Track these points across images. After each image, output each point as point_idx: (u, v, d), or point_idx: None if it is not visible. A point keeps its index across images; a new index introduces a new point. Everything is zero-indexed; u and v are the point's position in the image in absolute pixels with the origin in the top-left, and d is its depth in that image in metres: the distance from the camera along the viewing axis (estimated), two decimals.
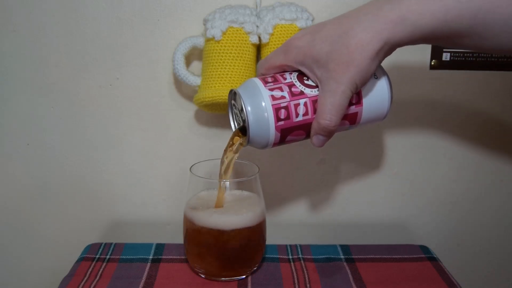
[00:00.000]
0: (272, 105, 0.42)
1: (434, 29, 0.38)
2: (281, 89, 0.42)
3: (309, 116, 0.43)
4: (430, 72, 0.65)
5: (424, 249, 0.61)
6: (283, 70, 0.45)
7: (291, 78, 0.43)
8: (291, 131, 0.43)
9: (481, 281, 0.73)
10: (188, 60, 0.62)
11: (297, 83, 0.43)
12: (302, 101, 0.42)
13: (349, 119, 0.44)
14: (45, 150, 0.65)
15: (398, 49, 0.63)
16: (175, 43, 0.58)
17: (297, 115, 0.42)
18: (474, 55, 0.64)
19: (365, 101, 0.44)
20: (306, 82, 0.43)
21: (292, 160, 0.67)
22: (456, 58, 0.64)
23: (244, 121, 0.43)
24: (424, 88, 0.65)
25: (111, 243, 0.61)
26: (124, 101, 0.64)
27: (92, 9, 0.60)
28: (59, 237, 0.68)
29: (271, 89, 0.42)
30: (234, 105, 0.47)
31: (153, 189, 0.67)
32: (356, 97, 0.44)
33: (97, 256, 0.58)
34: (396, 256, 0.59)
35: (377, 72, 0.45)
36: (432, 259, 0.59)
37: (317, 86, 0.43)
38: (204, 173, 0.54)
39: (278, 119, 0.42)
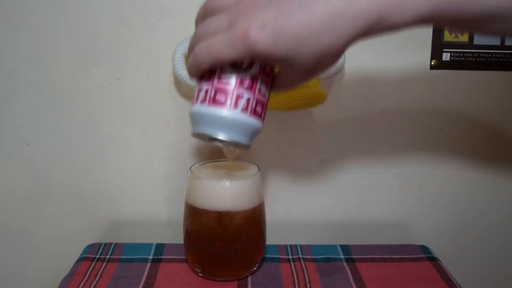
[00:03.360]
0: (249, 116, 0.38)
1: (415, 25, 0.33)
2: (239, 96, 0.38)
3: (270, 84, 0.40)
4: (430, 72, 0.65)
5: (424, 249, 0.61)
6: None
7: (231, 75, 0.38)
8: (267, 106, 0.41)
9: (481, 281, 0.73)
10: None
11: (242, 74, 0.38)
12: (259, 83, 0.39)
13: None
14: (45, 150, 0.65)
15: (398, 49, 0.64)
16: (175, 43, 0.58)
17: (265, 96, 0.40)
18: (474, 55, 0.64)
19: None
20: (243, 66, 0.38)
21: (292, 160, 0.67)
22: (456, 58, 0.64)
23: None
24: (424, 88, 0.65)
25: (111, 243, 0.61)
26: (124, 101, 0.64)
27: (92, 9, 0.60)
28: (59, 237, 0.68)
29: (235, 105, 0.38)
30: (210, 138, 0.40)
31: (153, 189, 0.67)
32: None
33: (97, 256, 0.58)
34: (396, 256, 0.59)
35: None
36: (432, 259, 0.59)
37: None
38: (204, 173, 0.54)
39: (259, 116, 0.39)
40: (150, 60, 0.62)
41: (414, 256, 0.59)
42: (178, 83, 0.63)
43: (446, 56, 0.64)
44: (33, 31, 0.61)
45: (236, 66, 0.38)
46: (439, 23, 0.34)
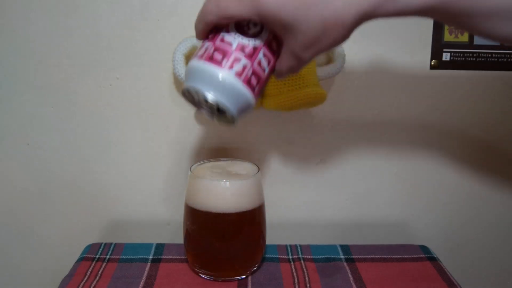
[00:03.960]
0: (242, 82, 0.37)
1: (428, 9, 0.32)
2: (237, 59, 0.37)
3: (272, 62, 0.39)
4: (430, 72, 0.65)
5: (424, 249, 0.61)
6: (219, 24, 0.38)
7: (235, 39, 0.37)
8: (264, 84, 0.40)
9: (481, 281, 0.73)
10: (188, 60, 0.62)
11: (245, 41, 0.37)
12: (260, 55, 0.38)
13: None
14: (45, 150, 0.65)
15: (398, 49, 0.64)
16: (175, 43, 0.58)
17: (264, 71, 0.38)
18: (474, 55, 0.64)
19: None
20: (249, 31, 0.38)
21: (292, 160, 0.67)
22: (456, 58, 0.64)
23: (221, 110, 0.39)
24: (424, 88, 0.65)
25: (111, 243, 0.61)
26: (124, 101, 0.64)
27: (92, 9, 0.60)
28: (59, 237, 0.68)
29: (231, 66, 0.37)
30: (199, 100, 0.40)
31: (153, 189, 0.67)
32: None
33: (97, 256, 0.58)
34: (396, 256, 0.59)
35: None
36: (432, 259, 0.59)
37: (261, 27, 0.37)
38: (204, 173, 0.54)
39: (252, 88, 0.38)
40: (150, 60, 0.62)
41: (414, 256, 0.59)
42: (178, 83, 0.63)
43: (446, 56, 0.64)
44: (33, 31, 0.61)
45: (242, 30, 0.37)
46: (451, 13, 0.33)
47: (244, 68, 0.37)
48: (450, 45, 0.64)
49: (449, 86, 0.65)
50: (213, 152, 0.65)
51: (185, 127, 0.65)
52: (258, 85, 0.39)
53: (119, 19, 0.61)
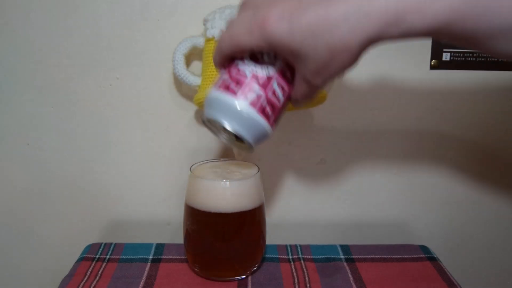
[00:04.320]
0: (257, 112, 0.38)
1: (432, 31, 0.33)
2: (251, 89, 0.38)
3: (287, 91, 0.40)
4: (430, 72, 0.65)
5: (424, 249, 0.61)
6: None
7: (249, 68, 0.39)
8: (280, 113, 0.41)
9: (481, 281, 0.73)
10: (188, 60, 0.62)
11: (259, 70, 0.39)
12: (274, 84, 0.39)
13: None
14: (45, 150, 0.65)
15: (398, 49, 0.64)
16: (175, 43, 0.58)
17: (279, 100, 0.40)
18: (474, 55, 0.64)
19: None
20: (263, 61, 0.39)
21: (292, 160, 0.67)
22: (456, 58, 0.64)
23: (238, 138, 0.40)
24: (424, 88, 0.65)
25: (111, 243, 0.61)
26: (124, 101, 0.64)
27: (92, 9, 0.60)
28: (59, 237, 0.68)
29: (245, 96, 0.38)
30: (217, 128, 0.43)
31: (153, 189, 0.67)
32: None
33: (97, 256, 0.58)
34: (396, 256, 0.59)
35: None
36: (432, 259, 0.59)
37: (274, 56, 0.38)
38: (204, 173, 0.54)
39: (267, 117, 0.40)
40: (150, 60, 0.62)
41: (414, 256, 0.59)
42: (178, 83, 0.63)
43: (446, 56, 0.64)
44: (33, 31, 0.61)
45: (257, 60, 0.39)
46: (455, 34, 0.33)
47: (258, 98, 0.39)
48: (450, 45, 0.64)
49: (449, 86, 0.65)
50: (213, 152, 0.65)
51: (185, 127, 0.65)
52: (274, 113, 0.40)
53: (119, 19, 0.61)
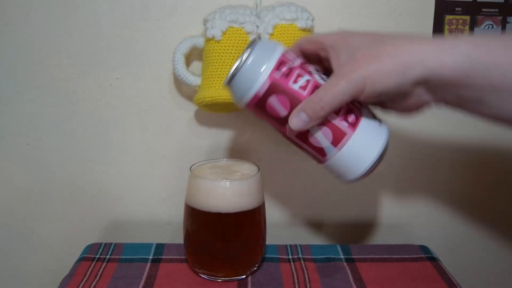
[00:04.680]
0: (279, 56, 0.41)
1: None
2: (293, 58, 0.42)
3: (303, 94, 0.40)
4: None
5: (424, 249, 0.61)
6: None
7: (308, 64, 0.43)
8: (278, 93, 0.41)
9: (481, 281, 0.73)
10: (188, 60, 0.62)
11: (311, 67, 0.43)
12: (306, 76, 0.41)
13: (333, 133, 0.42)
14: (45, 150, 0.65)
15: None
16: (175, 43, 0.58)
17: (295, 81, 0.41)
18: None
19: (357, 133, 0.42)
20: (319, 71, 0.43)
21: (292, 160, 0.67)
22: None
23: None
24: None
25: (111, 243, 0.61)
26: (124, 101, 0.64)
27: (92, 9, 0.60)
28: (59, 237, 0.68)
29: (286, 51, 0.42)
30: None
31: (153, 189, 0.67)
32: (354, 118, 0.42)
33: (97, 256, 0.58)
34: (396, 256, 0.59)
35: (383, 122, 0.44)
36: (432, 259, 0.59)
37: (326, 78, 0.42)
38: (204, 173, 0.54)
39: (277, 67, 0.40)
40: (150, 60, 0.62)
41: (414, 256, 0.59)
42: (178, 83, 0.63)
43: None
44: (33, 31, 0.61)
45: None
46: (467, 90, 0.38)
47: (290, 60, 0.42)
48: None
49: None
50: (213, 152, 0.65)
51: (185, 127, 0.65)
52: (280, 77, 0.41)
53: (119, 19, 0.61)
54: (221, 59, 0.56)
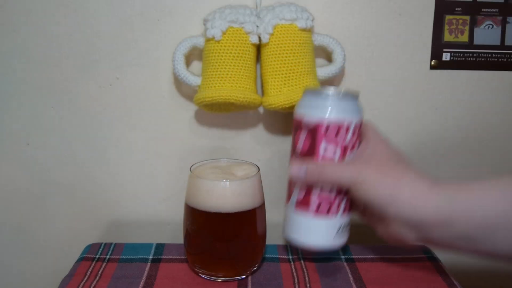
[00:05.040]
0: (356, 121, 0.45)
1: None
2: (354, 133, 0.46)
3: (319, 156, 0.45)
4: (430, 72, 0.65)
5: (424, 249, 0.61)
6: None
7: (354, 145, 0.47)
8: (315, 135, 0.45)
9: (481, 281, 0.73)
10: (188, 60, 0.62)
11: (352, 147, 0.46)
12: (338, 152, 0.45)
13: (304, 198, 0.46)
14: (45, 150, 0.65)
15: (398, 49, 0.64)
16: (175, 43, 0.58)
17: (329, 146, 0.45)
18: (474, 55, 0.64)
19: (315, 220, 0.46)
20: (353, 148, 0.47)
21: None
22: (456, 58, 0.64)
23: None
24: (424, 88, 0.65)
25: (111, 243, 0.61)
26: (124, 101, 0.64)
27: (92, 9, 0.60)
28: (59, 237, 0.68)
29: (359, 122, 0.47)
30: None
31: (153, 189, 0.67)
32: (326, 209, 0.46)
33: (97, 256, 0.58)
34: (396, 256, 0.59)
35: (343, 241, 0.49)
36: (432, 259, 0.59)
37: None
38: (204, 173, 0.54)
39: (347, 127, 0.45)
40: (150, 60, 0.62)
41: (414, 256, 0.59)
42: (178, 83, 0.63)
43: (446, 56, 0.64)
44: (33, 31, 0.61)
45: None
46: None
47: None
48: (450, 45, 0.64)
49: (449, 86, 0.65)
50: (213, 152, 0.65)
51: (185, 127, 0.65)
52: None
53: (119, 19, 0.61)
54: (221, 59, 0.56)
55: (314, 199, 0.45)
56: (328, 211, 0.46)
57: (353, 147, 0.46)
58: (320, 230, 0.46)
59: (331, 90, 0.44)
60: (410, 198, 0.42)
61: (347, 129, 0.44)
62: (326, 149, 0.44)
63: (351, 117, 0.45)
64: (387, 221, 0.44)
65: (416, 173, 0.44)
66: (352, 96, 0.45)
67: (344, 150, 0.45)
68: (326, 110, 0.44)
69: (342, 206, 0.46)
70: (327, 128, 0.44)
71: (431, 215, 0.42)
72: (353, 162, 0.45)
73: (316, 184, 0.45)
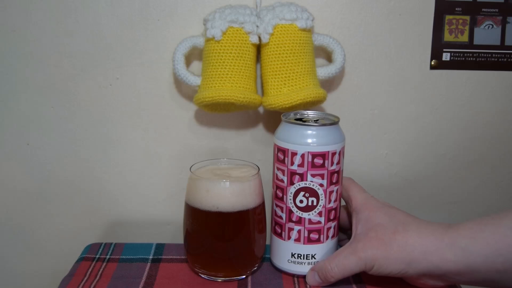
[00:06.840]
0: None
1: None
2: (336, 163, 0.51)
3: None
4: (430, 72, 0.65)
5: None
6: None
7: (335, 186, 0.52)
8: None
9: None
10: (188, 60, 0.62)
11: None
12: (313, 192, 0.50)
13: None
14: (45, 150, 0.65)
15: (398, 49, 0.64)
16: (175, 43, 0.58)
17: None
18: (474, 55, 0.64)
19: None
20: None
21: None
22: (456, 58, 0.64)
23: None
24: (424, 88, 0.65)
25: (111, 243, 0.61)
26: (124, 101, 0.64)
27: (92, 9, 0.60)
28: (59, 237, 0.68)
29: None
30: None
31: (153, 189, 0.67)
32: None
33: (97, 256, 0.58)
34: None
35: None
36: None
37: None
38: (204, 173, 0.54)
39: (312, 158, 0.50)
40: (150, 60, 0.62)
41: None
42: (178, 83, 0.63)
43: (446, 56, 0.64)
44: (33, 31, 0.61)
45: None
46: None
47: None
48: (450, 45, 0.64)
49: (449, 86, 0.65)
50: (213, 152, 0.65)
51: (185, 127, 0.65)
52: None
53: (119, 19, 0.61)
54: (221, 59, 0.56)
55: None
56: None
57: (338, 172, 0.50)
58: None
59: (309, 119, 0.48)
60: (425, 259, 0.43)
61: (333, 156, 0.49)
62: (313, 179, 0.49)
63: (334, 146, 0.49)
64: (411, 279, 0.47)
65: (416, 229, 0.45)
66: (331, 124, 0.49)
67: (331, 177, 0.50)
68: (308, 142, 0.48)
69: None
70: (312, 157, 0.48)
71: (452, 266, 0.43)
72: (355, 247, 0.47)
73: (335, 281, 0.49)
